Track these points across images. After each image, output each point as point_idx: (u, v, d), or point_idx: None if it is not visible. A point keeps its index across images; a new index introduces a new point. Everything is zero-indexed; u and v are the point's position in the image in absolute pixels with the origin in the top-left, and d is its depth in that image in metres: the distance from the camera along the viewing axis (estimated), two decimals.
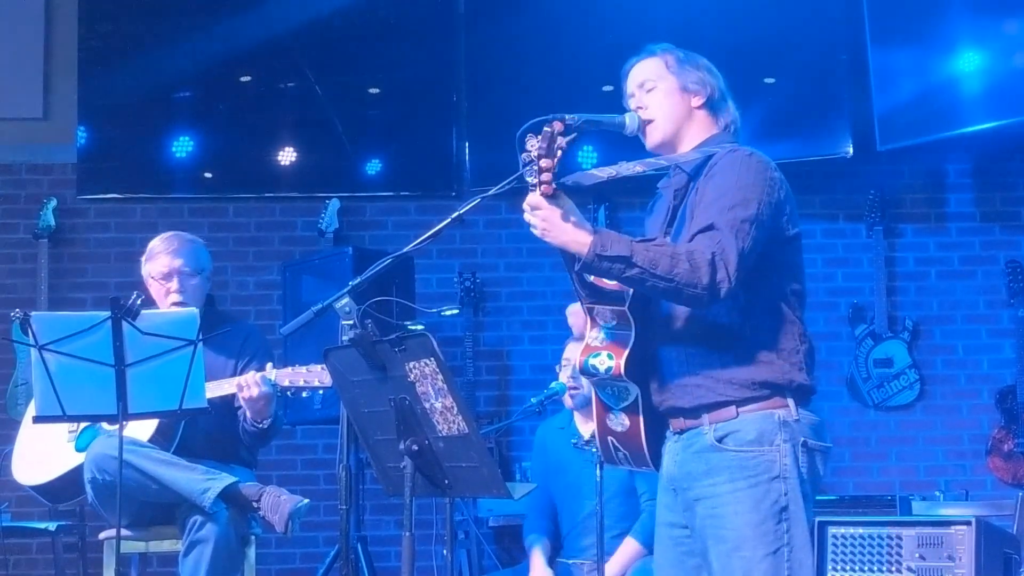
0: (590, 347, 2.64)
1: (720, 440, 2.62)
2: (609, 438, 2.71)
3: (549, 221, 2.51)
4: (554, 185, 2.47)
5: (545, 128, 2.46)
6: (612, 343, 2.62)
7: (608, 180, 2.63)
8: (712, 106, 2.78)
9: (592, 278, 2.62)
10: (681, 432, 2.69)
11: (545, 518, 4.52)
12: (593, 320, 2.66)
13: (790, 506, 2.59)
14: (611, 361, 2.61)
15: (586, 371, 2.65)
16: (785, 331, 2.65)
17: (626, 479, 4.29)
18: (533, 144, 2.45)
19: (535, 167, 2.46)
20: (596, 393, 2.70)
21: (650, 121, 2.78)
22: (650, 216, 2.90)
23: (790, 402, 2.63)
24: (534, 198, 2.50)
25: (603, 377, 2.63)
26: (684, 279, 2.50)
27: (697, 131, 2.79)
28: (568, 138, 2.73)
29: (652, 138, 2.79)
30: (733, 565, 2.59)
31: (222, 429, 4.00)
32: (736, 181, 2.61)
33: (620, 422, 2.67)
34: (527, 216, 2.53)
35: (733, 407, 2.62)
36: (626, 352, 2.60)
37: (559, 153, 2.47)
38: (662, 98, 2.77)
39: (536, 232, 2.54)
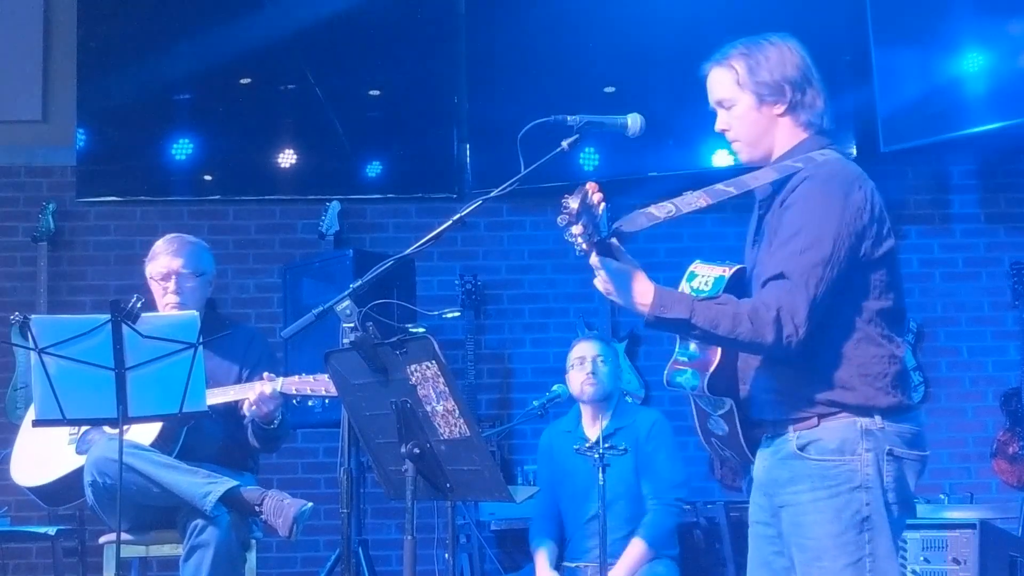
0: (677, 362, 2.65)
1: (802, 448, 2.59)
2: (713, 439, 2.74)
3: (610, 284, 2.50)
4: (595, 243, 2.43)
5: (579, 190, 2.39)
6: (697, 362, 2.63)
7: (667, 219, 2.53)
8: (794, 108, 2.69)
9: None
10: (772, 437, 2.68)
11: (550, 522, 4.52)
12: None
13: (872, 516, 2.56)
14: (696, 380, 2.62)
15: (671, 383, 2.66)
16: (870, 355, 2.58)
17: (632, 483, 4.28)
18: (573, 204, 2.39)
19: (569, 231, 2.42)
20: (694, 401, 2.71)
21: (735, 141, 2.73)
22: (752, 218, 2.81)
23: (876, 416, 2.58)
24: (595, 259, 2.48)
25: (689, 392, 2.65)
26: (747, 338, 2.49)
27: (785, 136, 2.71)
28: (571, 139, 2.72)
29: (742, 158, 2.76)
30: (813, 574, 2.57)
31: (233, 437, 3.99)
32: (812, 217, 2.53)
33: (720, 427, 2.68)
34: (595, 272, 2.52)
35: (816, 418, 2.59)
36: (709, 373, 2.60)
37: (601, 206, 2.41)
38: (742, 119, 2.71)
39: (600, 289, 2.54)
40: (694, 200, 2.56)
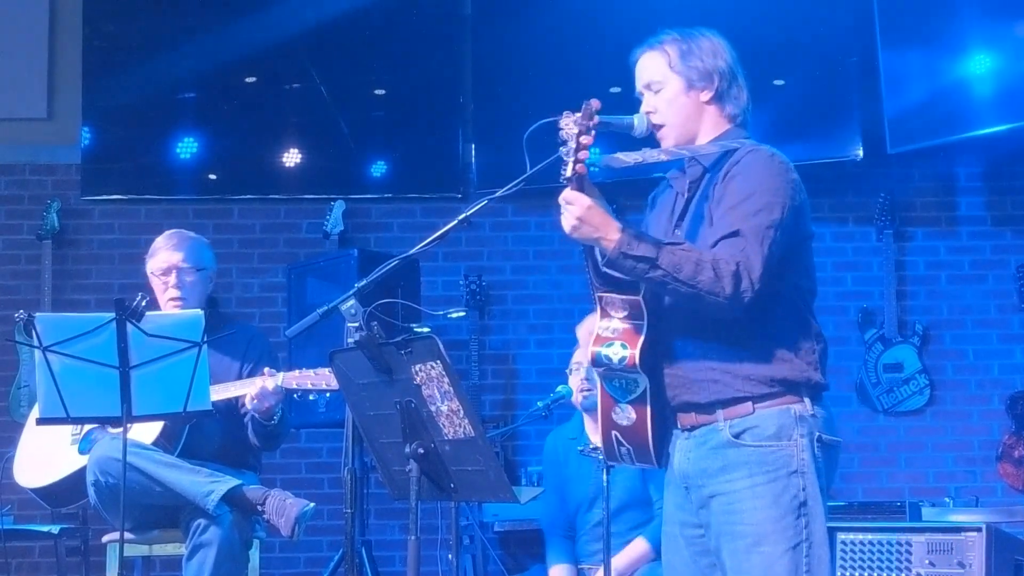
0: (601, 337, 2.61)
1: (737, 436, 2.60)
2: (613, 432, 2.67)
3: (582, 218, 2.51)
4: (586, 167, 2.48)
5: (585, 105, 2.46)
6: (625, 333, 2.60)
7: (634, 165, 2.63)
8: (721, 97, 2.75)
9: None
10: (692, 429, 2.67)
11: (565, 539, 4.39)
12: (604, 310, 2.64)
13: (808, 501, 2.59)
14: (625, 351, 2.58)
15: (599, 362, 2.61)
16: (803, 330, 2.65)
17: (639, 489, 4.26)
18: (568, 123, 2.46)
19: (572, 145, 2.46)
20: (603, 386, 2.66)
21: (660, 126, 2.75)
22: (652, 210, 2.87)
23: (805, 399, 2.63)
24: (568, 193, 2.51)
25: (615, 368, 2.60)
26: (707, 287, 2.50)
27: (710, 124, 2.76)
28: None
29: (666, 142, 2.77)
30: (753, 561, 2.57)
31: (233, 434, 3.99)
32: (761, 184, 2.59)
33: (626, 416, 2.63)
34: (562, 209, 2.53)
35: (750, 403, 2.60)
36: (640, 341, 2.57)
37: (592, 134, 2.48)
38: (670, 102, 2.74)
39: (565, 226, 2.54)
40: (655, 155, 2.67)
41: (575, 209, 2.51)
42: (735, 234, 2.55)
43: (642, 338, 2.58)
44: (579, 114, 2.46)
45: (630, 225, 2.56)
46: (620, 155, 2.58)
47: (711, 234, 2.60)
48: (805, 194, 2.67)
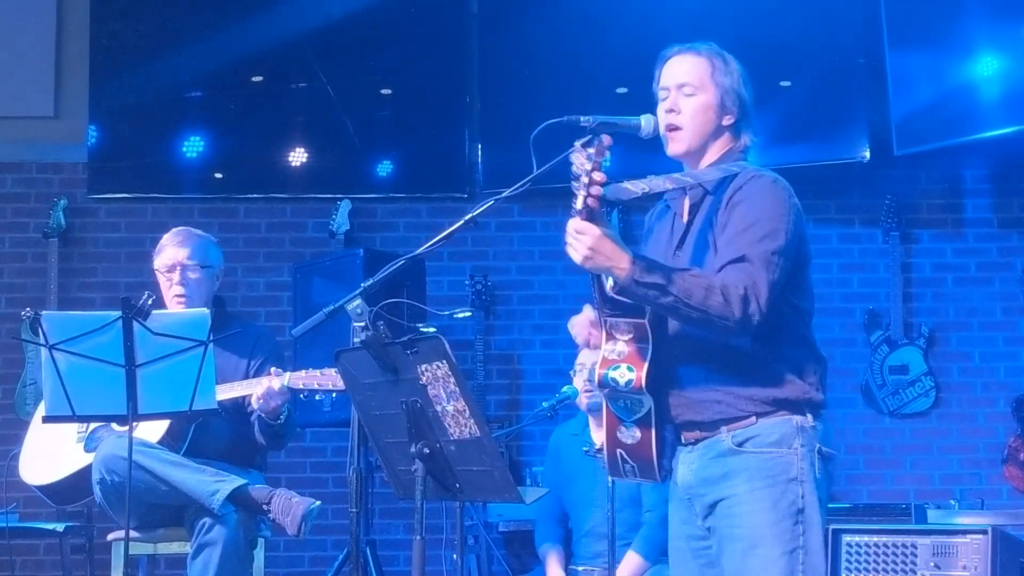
0: (608, 360, 2.64)
1: (740, 444, 2.63)
2: (618, 451, 2.71)
3: (594, 248, 2.51)
4: (598, 201, 2.49)
5: (597, 142, 2.48)
6: (630, 356, 2.62)
7: (641, 196, 2.64)
8: (738, 126, 2.76)
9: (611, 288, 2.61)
10: (696, 442, 2.70)
11: (557, 525, 4.50)
12: (610, 333, 2.65)
13: (806, 509, 2.61)
14: (631, 374, 2.60)
15: (605, 384, 2.64)
16: (805, 351, 2.69)
17: (634, 490, 4.27)
18: (580, 158, 2.47)
19: (584, 180, 2.47)
20: (608, 405, 2.69)
21: (677, 128, 2.74)
22: (651, 236, 2.87)
23: (808, 414, 2.67)
24: (579, 224, 2.52)
25: (621, 390, 2.62)
26: (717, 311, 2.52)
27: (718, 147, 2.77)
28: (583, 140, 2.71)
29: (675, 147, 2.76)
30: (749, 563, 2.59)
31: (239, 434, 3.99)
32: (766, 211, 2.62)
33: (631, 435, 2.67)
34: (569, 239, 2.53)
35: (753, 417, 2.64)
36: (646, 365, 2.60)
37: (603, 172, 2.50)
38: (698, 110, 2.73)
39: (576, 257, 2.54)
40: (661, 183, 2.67)
41: (586, 239, 2.51)
42: (742, 259, 2.57)
43: (647, 361, 2.60)
44: (592, 149, 2.46)
45: (638, 252, 2.58)
46: (627, 184, 2.59)
47: (717, 259, 2.61)
48: (805, 220, 2.69)
